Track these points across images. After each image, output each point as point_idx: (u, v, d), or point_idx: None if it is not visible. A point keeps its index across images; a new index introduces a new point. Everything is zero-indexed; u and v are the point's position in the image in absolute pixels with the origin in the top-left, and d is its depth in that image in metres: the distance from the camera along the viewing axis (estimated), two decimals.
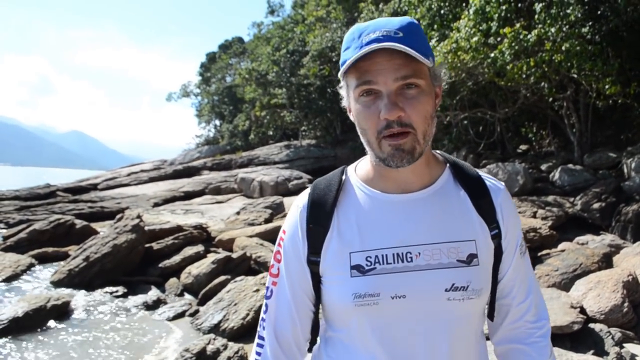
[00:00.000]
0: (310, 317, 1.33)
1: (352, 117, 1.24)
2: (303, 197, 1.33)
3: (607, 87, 9.46)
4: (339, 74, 1.21)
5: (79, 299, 7.20)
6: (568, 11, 9.21)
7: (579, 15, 9.30)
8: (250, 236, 8.88)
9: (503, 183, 1.35)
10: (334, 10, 22.71)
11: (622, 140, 12.25)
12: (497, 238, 1.26)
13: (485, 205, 1.27)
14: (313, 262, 1.27)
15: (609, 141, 12.56)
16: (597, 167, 10.91)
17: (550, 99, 11.64)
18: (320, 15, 23.14)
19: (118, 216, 9.11)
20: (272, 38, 28.27)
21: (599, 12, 9.53)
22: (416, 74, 1.14)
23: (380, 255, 1.20)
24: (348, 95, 1.23)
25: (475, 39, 10.01)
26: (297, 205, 1.33)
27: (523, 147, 15.40)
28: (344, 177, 1.32)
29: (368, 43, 1.12)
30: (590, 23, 9.52)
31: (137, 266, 8.30)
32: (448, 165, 1.32)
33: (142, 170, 22.72)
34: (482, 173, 1.35)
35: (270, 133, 28.58)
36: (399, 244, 1.20)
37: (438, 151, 1.36)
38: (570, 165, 10.87)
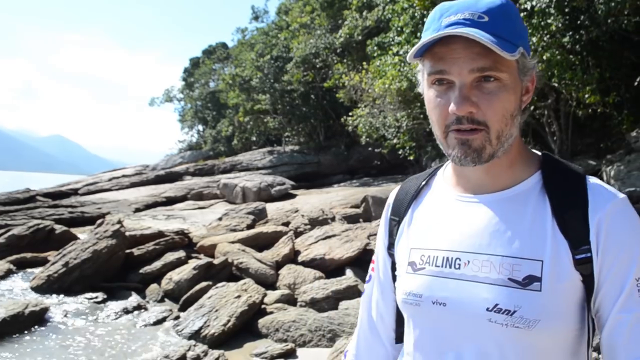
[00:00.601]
0: (393, 308, 1.29)
1: (426, 105, 1.12)
2: (394, 189, 1.34)
3: (587, 96, 9.61)
4: (408, 57, 1.06)
5: (58, 305, 7.11)
6: (549, 21, 9.36)
7: (560, 25, 9.44)
8: (232, 242, 8.84)
9: (623, 195, 1.04)
10: (318, 17, 22.81)
11: (602, 148, 12.45)
12: (585, 265, 1.00)
13: (573, 221, 1.01)
14: (390, 253, 1.27)
15: (589, 149, 12.77)
16: None
17: (532, 107, 11.79)
18: (304, 22, 23.22)
19: (98, 221, 9.02)
20: (256, 44, 28.32)
21: (579, 22, 9.69)
22: (497, 65, 0.99)
23: (432, 255, 1.12)
24: (423, 80, 1.10)
25: None
26: (389, 196, 1.34)
27: None
28: (434, 173, 1.27)
29: (447, 26, 1.00)
30: (570, 33, 9.66)
31: (118, 272, 8.22)
32: (542, 168, 1.11)
33: (124, 176, 22.54)
34: (595, 181, 1.07)
35: (254, 139, 28.54)
36: (452, 247, 1.10)
37: (544, 153, 1.16)
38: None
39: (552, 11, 9.36)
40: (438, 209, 1.18)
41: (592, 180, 1.07)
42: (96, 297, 7.42)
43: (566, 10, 9.52)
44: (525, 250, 1.02)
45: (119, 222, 8.71)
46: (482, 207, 1.10)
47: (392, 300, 1.28)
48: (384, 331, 1.32)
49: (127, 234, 8.69)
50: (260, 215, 11.67)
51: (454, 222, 1.13)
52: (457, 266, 1.08)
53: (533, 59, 1.08)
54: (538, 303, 0.99)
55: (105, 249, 8.01)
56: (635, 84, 11.83)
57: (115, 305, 7.20)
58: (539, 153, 1.15)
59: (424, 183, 1.26)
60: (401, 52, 12.48)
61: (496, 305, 1.01)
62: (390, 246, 1.26)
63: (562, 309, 1.01)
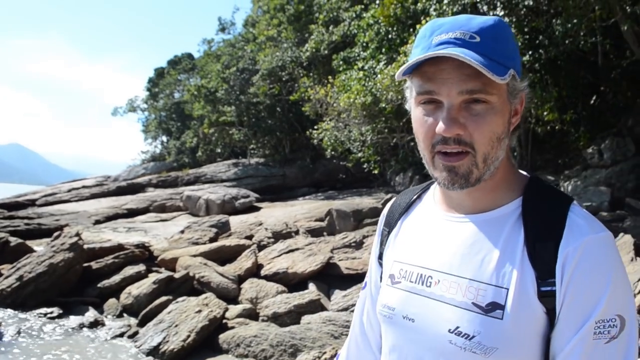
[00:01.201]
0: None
1: (413, 123, 1.11)
2: (391, 200, 1.35)
3: (545, 113, 9.90)
4: (397, 74, 1.03)
5: (10, 320, 6.86)
6: None
7: (520, 44, 9.70)
8: (194, 255, 8.71)
9: (604, 232, 0.99)
10: (284, 30, 22.91)
11: (560, 164, 12.79)
12: (549, 298, 0.97)
13: (543, 252, 0.98)
14: (380, 263, 1.29)
15: (548, 165, 13.10)
16: None
17: None
18: (271, 35, 23.27)
19: (56, 234, 8.77)
20: (223, 55, 28.22)
21: (538, 42, 9.98)
22: (486, 88, 0.98)
23: (409, 270, 1.14)
24: (410, 98, 1.09)
25: None
26: (385, 207, 1.35)
27: None
28: (428, 187, 1.26)
29: (437, 45, 0.99)
30: (530, 52, 9.95)
31: (75, 286, 8.00)
32: (524, 194, 1.08)
33: (84, 186, 22.01)
34: (578, 212, 1.02)
35: (219, 151, 28.32)
36: (426, 265, 1.11)
37: (533, 175, 1.13)
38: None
39: (513, 31, 9.60)
40: (422, 225, 1.19)
41: (575, 211, 1.02)
42: (52, 312, 7.20)
43: (526, 29, 9.80)
44: (492, 276, 1.01)
45: (77, 234, 8.49)
46: (460, 227, 1.10)
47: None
48: (373, 338, 1.33)
49: (85, 246, 8.48)
50: (223, 229, 11.55)
51: (433, 239, 1.14)
52: (428, 284, 1.08)
53: (524, 81, 1.06)
54: (498, 331, 0.98)
55: (62, 263, 7.79)
56: (592, 102, 12.23)
57: (71, 321, 7.00)
58: (528, 176, 1.13)
59: (416, 197, 1.27)
60: (366, 67, 12.63)
61: (457, 328, 1.01)
62: (381, 256, 1.29)
63: (522, 339, 0.98)
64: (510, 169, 1.11)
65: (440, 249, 1.10)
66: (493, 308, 0.99)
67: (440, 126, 0.99)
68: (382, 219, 1.33)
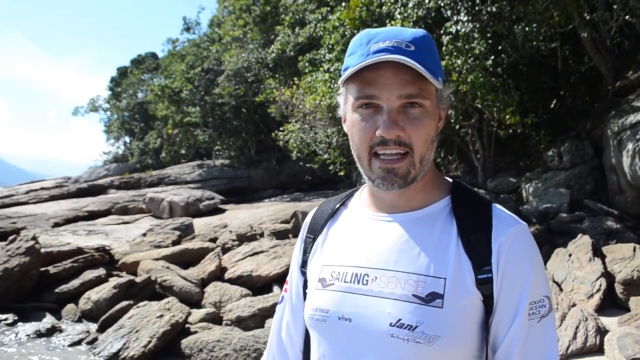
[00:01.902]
0: (303, 328, 1.29)
1: (345, 128, 1.15)
2: (313, 209, 1.35)
3: (507, 117, 10.06)
4: (340, 81, 1.09)
5: None
6: (473, 45, 9.74)
7: (483, 49, 9.85)
8: (156, 259, 8.55)
9: (524, 223, 1.10)
10: (250, 31, 22.75)
11: (522, 166, 13.04)
12: (486, 285, 1.04)
13: (477, 243, 1.06)
14: (303, 271, 1.28)
15: (510, 167, 13.34)
16: (499, 192, 11.53)
17: (457, 126, 12.20)
18: (236, 36, 23.08)
19: (11, 237, 8.50)
20: (187, 55, 27.84)
21: (500, 47, 10.15)
22: (422, 93, 1.05)
23: (342, 272, 1.14)
24: (345, 104, 1.14)
25: None
26: (307, 216, 1.35)
27: None
28: (352, 194, 1.30)
29: (376, 52, 1.03)
30: (492, 57, 10.10)
31: (31, 292, 7.76)
32: (452, 193, 1.16)
33: (43, 188, 21.39)
34: (500, 208, 1.13)
35: (183, 152, 27.94)
36: (362, 264, 1.12)
37: (454, 179, 1.21)
38: (475, 189, 11.42)
39: (476, 35, 9.75)
40: (351, 227, 1.21)
41: (497, 207, 1.12)
42: (6, 319, 6.98)
43: (488, 35, 9.95)
44: (429, 268, 1.05)
45: (34, 238, 8.23)
46: (393, 225, 1.13)
47: (302, 321, 1.28)
48: (292, 353, 1.32)
49: (42, 250, 8.23)
50: (186, 231, 11.38)
51: (365, 240, 1.15)
52: (364, 282, 1.09)
53: (448, 89, 1.14)
54: (439, 319, 1.02)
55: (18, 267, 7.53)
56: (552, 106, 12.52)
57: (27, 327, 6.78)
58: (450, 180, 1.20)
59: (340, 204, 1.29)
60: (332, 69, 12.63)
61: (399, 320, 1.03)
62: (304, 264, 1.28)
63: (463, 326, 1.04)
64: (435, 171, 1.19)
65: (374, 247, 1.13)
66: (433, 298, 1.03)
67: (382, 128, 1.04)
68: (304, 227, 1.33)
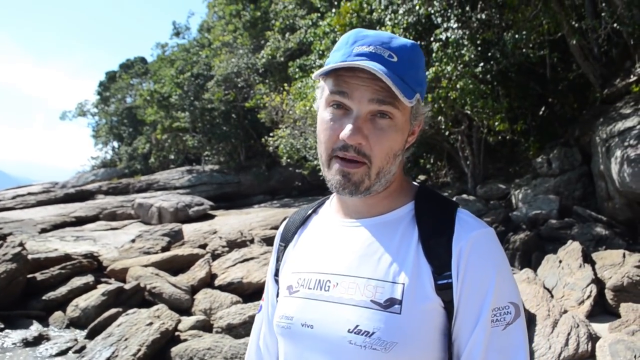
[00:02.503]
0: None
1: (317, 124, 1.15)
2: (287, 218, 1.35)
3: (497, 123, 10.12)
4: (316, 74, 1.08)
5: None
6: (462, 51, 9.79)
7: (473, 56, 9.91)
8: (146, 265, 8.47)
9: (489, 228, 1.09)
10: (240, 37, 22.73)
11: (511, 173, 13.11)
12: (445, 290, 1.02)
13: (437, 247, 1.04)
14: (276, 279, 1.28)
15: (499, 173, 13.41)
16: (489, 198, 11.58)
17: (447, 133, 12.25)
18: (226, 41, 23.05)
19: None
20: (177, 60, 27.75)
21: (490, 54, 10.22)
22: (394, 102, 1.03)
23: (307, 278, 1.14)
24: (321, 97, 1.13)
25: None
26: (281, 224, 1.35)
27: (421, 177, 16.07)
28: (323, 202, 1.30)
29: (357, 55, 1.03)
30: (482, 64, 10.17)
31: (17, 299, 7.63)
32: (416, 198, 1.15)
33: (30, 193, 21.16)
34: (465, 212, 1.11)
35: (172, 157, 27.81)
36: (324, 270, 1.12)
37: (421, 184, 1.21)
38: (465, 196, 11.45)
39: (466, 42, 9.80)
40: (320, 234, 1.21)
41: (463, 211, 1.10)
42: None
43: (478, 42, 10.01)
44: (388, 274, 1.04)
45: (21, 244, 8.12)
46: (356, 231, 1.13)
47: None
48: None
49: (29, 257, 8.12)
50: (176, 237, 11.29)
51: (330, 246, 1.16)
52: (326, 288, 1.09)
53: (426, 107, 1.14)
54: (396, 325, 1.00)
55: (4, 274, 7.42)
56: (541, 113, 12.61)
57: (13, 336, 6.67)
58: (417, 185, 1.20)
59: (311, 211, 1.30)
60: None
61: (357, 326, 1.02)
62: (277, 272, 1.28)
63: (422, 333, 1.01)
64: (404, 180, 1.18)
65: (337, 253, 1.12)
66: (391, 304, 1.01)
67: (345, 132, 1.03)
68: (278, 236, 1.34)
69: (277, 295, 1.26)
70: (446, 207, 1.11)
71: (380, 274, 1.05)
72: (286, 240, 1.29)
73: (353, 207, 1.16)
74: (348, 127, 1.03)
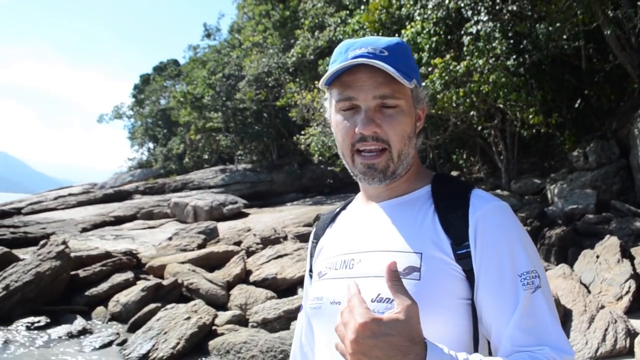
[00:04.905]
0: None
1: (333, 130, 1.24)
2: (322, 214, 1.46)
3: (530, 117, 9.98)
4: (320, 84, 1.20)
5: None
6: (494, 44, 9.70)
7: (504, 48, 9.80)
8: (183, 262, 8.67)
9: (503, 203, 1.15)
10: (270, 36, 22.89)
11: (546, 167, 12.90)
12: (465, 259, 1.08)
13: (455, 220, 1.11)
14: (311, 275, 1.38)
15: (533, 168, 13.22)
16: (523, 193, 11.43)
17: (479, 127, 12.14)
18: (256, 41, 23.25)
19: (42, 242, 8.67)
20: (208, 61, 28.13)
21: (522, 46, 10.08)
22: (395, 93, 1.14)
23: (333, 261, 1.23)
24: (330, 107, 1.24)
25: None
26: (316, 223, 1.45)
27: (454, 173, 15.94)
28: (353, 199, 1.39)
29: (353, 58, 1.14)
30: (514, 56, 10.05)
31: (62, 295, 7.92)
32: (433, 181, 1.23)
33: (71, 194, 21.80)
34: (479, 191, 1.17)
35: (206, 157, 28.19)
36: (349, 250, 1.21)
37: (438, 172, 1.29)
38: (498, 191, 11.33)
39: (497, 35, 9.70)
40: (345, 222, 1.33)
41: (478, 190, 1.18)
42: (39, 322, 7.11)
43: (510, 34, 9.89)
44: (407, 245, 1.12)
45: (64, 242, 8.41)
46: (377, 212, 1.23)
47: None
48: (312, 356, 1.37)
49: (72, 255, 8.39)
50: (211, 235, 11.50)
51: (353, 228, 1.26)
52: (351, 266, 1.17)
53: (424, 91, 1.24)
54: (416, 291, 1.03)
55: (49, 271, 7.70)
56: (576, 105, 12.37)
57: (59, 330, 6.91)
58: (433, 173, 1.29)
59: (340, 208, 1.41)
60: None
61: (379, 294, 1.08)
62: (311, 268, 1.39)
63: (442, 299, 1.07)
64: (420, 166, 1.28)
65: (360, 233, 1.22)
66: (410, 271, 1.08)
67: (360, 125, 1.13)
68: (311, 235, 1.43)
69: None
70: (462, 186, 1.19)
71: (400, 246, 1.13)
72: (317, 236, 1.39)
73: (375, 193, 1.25)
74: (361, 120, 1.13)
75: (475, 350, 1.10)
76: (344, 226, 1.32)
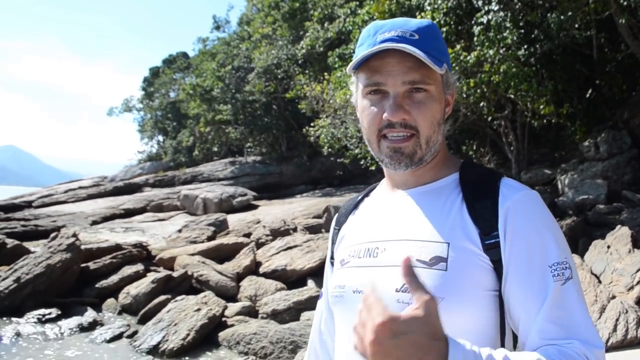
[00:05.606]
0: None
1: (358, 114, 1.21)
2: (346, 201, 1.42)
3: (541, 107, 9.87)
4: (348, 69, 1.15)
5: (8, 323, 6.85)
6: (505, 34, 9.59)
7: (515, 38, 9.69)
8: (192, 254, 8.70)
9: (533, 192, 1.11)
10: (279, 28, 22.84)
11: (557, 157, 12.79)
12: (493, 250, 1.05)
13: (483, 210, 1.08)
14: (332, 262, 1.35)
15: (544, 159, 13.10)
16: (534, 184, 11.34)
17: (489, 118, 12.04)
18: (266, 33, 23.20)
19: (52, 235, 8.74)
20: (218, 54, 28.10)
21: (533, 36, 9.97)
22: (425, 79, 1.10)
23: (357, 249, 1.20)
24: (356, 91, 1.19)
25: None
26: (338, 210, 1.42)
27: None
28: (375, 186, 1.36)
29: (381, 42, 1.09)
30: (525, 46, 9.93)
31: (72, 287, 7.99)
32: (460, 169, 1.20)
33: (81, 187, 21.94)
34: (509, 180, 1.14)
35: (215, 149, 28.24)
36: (373, 238, 1.18)
37: (465, 160, 1.25)
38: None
39: (508, 25, 9.60)
40: (369, 209, 1.29)
41: (507, 179, 1.14)
42: (50, 314, 7.18)
43: (521, 24, 9.78)
44: (434, 234, 1.09)
45: (74, 235, 8.47)
46: (402, 199, 1.19)
47: None
48: (331, 345, 1.34)
49: (82, 247, 8.46)
50: (221, 227, 11.53)
51: (378, 216, 1.23)
52: (375, 255, 1.14)
53: (454, 75, 1.19)
54: (442, 281, 1.03)
55: (60, 263, 7.76)
56: (587, 95, 12.24)
57: (70, 322, 6.98)
58: (461, 160, 1.25)
59: (363, 195, 1.37)
60: None
61: (403, 284, 1.03)
62: (332, 255, 1.35)
63: (468, 289, 1.04)
64: (447, 153, 1.23)
65: (385, 221, 1.19)
66: (437, 261, 1.05)
67: (388, 112, 1.09)
68: (333, 222, 1.40)
69: None
70: (491, 175, 1.15)
71: (426, 235, 1.09)
72: (340, 223, 1.35)
73: (401, 180, 1.21)
74: (390, 107, 1.09)
75: (502, 343, 1.07)
76: (368, 214, 1.28)
